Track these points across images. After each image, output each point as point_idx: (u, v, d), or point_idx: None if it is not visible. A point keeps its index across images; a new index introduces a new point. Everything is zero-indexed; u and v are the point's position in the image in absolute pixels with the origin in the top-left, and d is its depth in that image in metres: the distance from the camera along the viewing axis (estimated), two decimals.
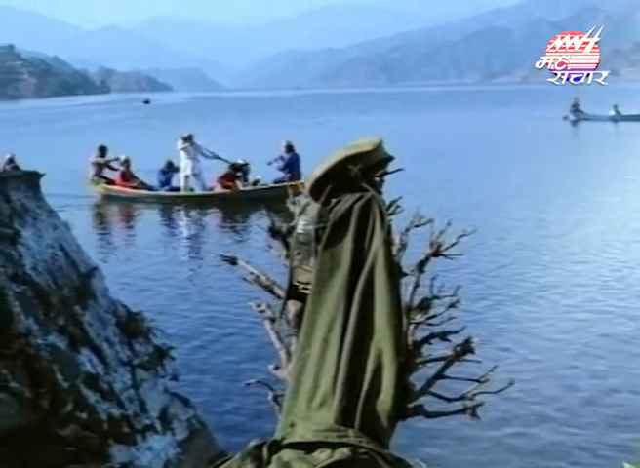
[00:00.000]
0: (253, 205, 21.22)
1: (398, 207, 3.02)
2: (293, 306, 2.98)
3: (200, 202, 23.60)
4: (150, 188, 24.74)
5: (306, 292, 2.83)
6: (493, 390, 2.99)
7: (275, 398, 2.99)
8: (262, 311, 3.14)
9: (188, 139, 24.61)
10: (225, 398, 8.06)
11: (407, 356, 2.85)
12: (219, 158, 24.70)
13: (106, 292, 6.32)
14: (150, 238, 19.83)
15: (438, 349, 3.07)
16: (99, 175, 25.44)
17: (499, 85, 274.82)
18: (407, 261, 3.02)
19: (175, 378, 6.48)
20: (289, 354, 3.01)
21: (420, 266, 2.98)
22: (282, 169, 23.35)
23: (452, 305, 2.96)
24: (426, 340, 2.95)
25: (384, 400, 2.65)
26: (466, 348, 2.98)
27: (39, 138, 52.39)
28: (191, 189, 24.45)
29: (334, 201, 2.82)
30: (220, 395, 8.22)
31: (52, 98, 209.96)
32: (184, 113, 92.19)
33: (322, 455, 2.52)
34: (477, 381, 2.96)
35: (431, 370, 3.01)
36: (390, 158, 2.92)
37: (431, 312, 3.01)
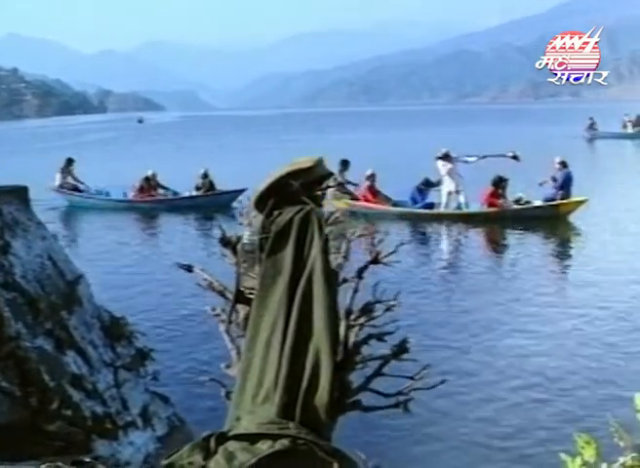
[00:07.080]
0: (517, 224, 18.05)
1: (337, 218, 3.10)
2: (242, 310, 3.04)
3: (461, 220, 19.70)
4: (396, 204, 20.86)
5: (252, 296, 2.92)
6: (426, 387, 3.08)
7: (227, 394, 3.06)
8: (218, 314, 3.22)
9: (446, 157, 20.71)
10: (199, 395, 7.99)
11: (346, 355, 2.93)
12: (485, 157, 20.59)
13: (92, 298, 6.35)
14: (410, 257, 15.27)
15: (381, 349, 3.15)
16: (341, 190, 21.28)
17: (471, 104, 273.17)
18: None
19: (155, 378, 6.50)
20: (239, 354, 3.07)
21: (359, 273, 3.06)
22: (559, 188, 19.55)
23: (388, 309, 3.05)
24: (365, 341, 3.04)
25: (321, 395, 2.72)
26: (403, 348, 3.08)
27: (56, 154, 51.53)
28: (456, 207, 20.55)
29: (276, 213, 2.90)
30: (195, 392, 8.13)
31: (53, 118, 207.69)
32: (177, 129, 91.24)
33: (264, 446, 2.60)
34: (411, 378, 3.04)
35: (371, 369, 3.09)
36: (330, 174, 3.02)
37: (374, 315, 3.10)
